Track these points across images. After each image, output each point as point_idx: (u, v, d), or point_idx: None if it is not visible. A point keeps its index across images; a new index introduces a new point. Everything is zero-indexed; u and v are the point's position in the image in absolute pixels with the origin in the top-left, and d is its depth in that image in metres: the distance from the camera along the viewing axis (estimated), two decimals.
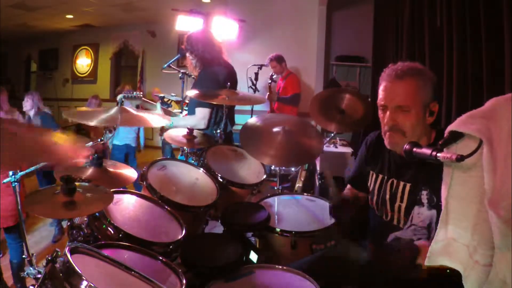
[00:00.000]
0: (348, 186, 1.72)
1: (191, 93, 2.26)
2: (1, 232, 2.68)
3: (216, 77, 2.44)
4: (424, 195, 1.33)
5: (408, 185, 1.37)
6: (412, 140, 1.21)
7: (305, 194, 2.09)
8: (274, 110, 4.82)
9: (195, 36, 2.53)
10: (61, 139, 1.09)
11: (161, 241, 1.38)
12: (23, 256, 1.38)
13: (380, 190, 1.46)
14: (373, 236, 1.56)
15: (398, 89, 1.29)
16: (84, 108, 1.75)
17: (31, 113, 4.02)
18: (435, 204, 1.30)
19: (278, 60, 4.72)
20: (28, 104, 3.98)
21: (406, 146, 1.05)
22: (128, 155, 4.65)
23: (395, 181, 1.42)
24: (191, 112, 2.50)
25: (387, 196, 1.42)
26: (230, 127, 2.58)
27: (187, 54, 2.54)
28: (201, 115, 2.41)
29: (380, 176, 1.48)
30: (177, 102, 4.79)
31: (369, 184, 1.53)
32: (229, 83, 2.29)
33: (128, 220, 1.45)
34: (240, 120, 2.66)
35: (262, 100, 2.69)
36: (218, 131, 2.38)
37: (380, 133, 1.40)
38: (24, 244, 1.45)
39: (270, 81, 4.70)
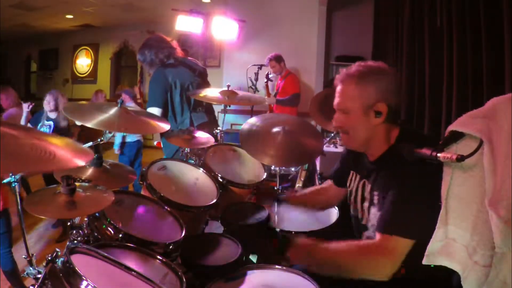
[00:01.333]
0: (329, 181, 1.78)
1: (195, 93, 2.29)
2: None
3: (164, 79, 2.53)
4: (375, 195, 1.36)
5: (369, 186, 1.42)
6: (357, 140, 1.35)
7: None
8: (274, 110, 4.82)
9: (141, 46, 2.65)
10: (61, 144, 1.09)
11: (161, 241, 1.38)
12: (24, 256, 1.37)
13: (356, 189, 1.50)
14: (354, 237, 1.58)
15: (340, 92, 1.35)
16: (84, 102, 1.74)
17: (53, 114, 3.93)
18: (382, 206, 1.32)
19: (277, 59, 4.73)
20: (51, 104, 3.91)
21: (406, 147, 1.06)
22: (138, 151, 4.70)
23: (366, 182, 1.45)
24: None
25: (360, 196, 1.47)
26: (206, 119, 2.64)
27: (144, 66, 2.67)
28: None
29: (358, 176, 1.51)
30: None
31: (348, 183, 1.57)
32: (188, 83, 2.42)
33: (128, 220, 1.45)
34: (240, 120, 2.66)
35: (262, 100, 2.71)
36: (218, 131, 2.39)
37: None
38: (24, 243, 1.45)
39: (266, 80, 4.71)
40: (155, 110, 2.48)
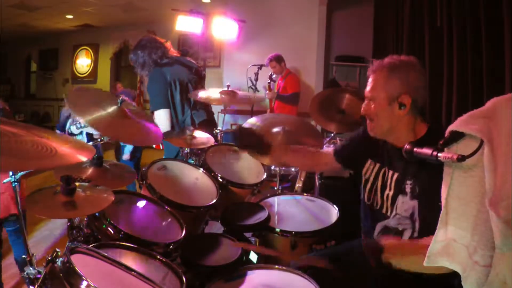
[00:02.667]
0: (330, 151, 1.75)
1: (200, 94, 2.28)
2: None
3: (162, 78, 2.49)
4: (408, 185, 1.37)
5: (396, 174, 1.42)
6: (380, 127, 1.38)
7: (305, 194, 2.09)
8: (274, 110, 4.82)
9: (134, 46, 2.62)
10: (62, 141, 1.09)
11: (161, 241, 1.38)
12: (23, 256, 1.37)
13: (375, 178, 1.51)
14: (364, 227, 1.59)
15: (370, 81, 1.41)
16: (89, 86, 1.70)
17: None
18: (417, 195, 1.35)
19: (278, 60, 4.73)
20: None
21: (407, 146, 1.06)
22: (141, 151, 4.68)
23: (387, 170, 1.47)
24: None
25: (379, 184, 1.48)
26: (205, 116, 2.61)
27: (136, 67, 2.60)
28: (160, 117, 2.42)
29: (378, 165, 1.52)
30: None
31: (365, 171, 1.56)
32: (186, 80, 2.36)
33: (128, 220, 1.45)
34: (240, 120, 2.66)
35: (262, 99, 2.71)
36: (218, 131, 2.39)
37: None
38: (24, 243, 1.45)
39: (269, 81, 4.70)
40: (163, 112, 2.43)
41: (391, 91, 1.34)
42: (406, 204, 1.37)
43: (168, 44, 2.66)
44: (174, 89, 2.52)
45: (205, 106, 2.67)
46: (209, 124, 2.56)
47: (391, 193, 1.42)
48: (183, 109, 2.56)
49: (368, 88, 1.42)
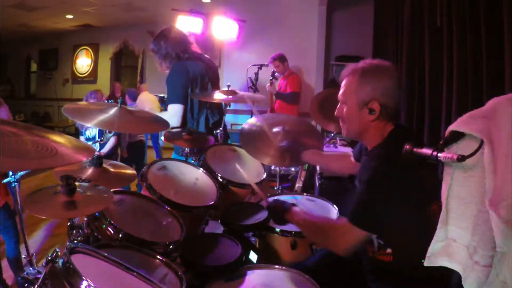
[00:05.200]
0: (350, 153, 1.84)
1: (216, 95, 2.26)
2: None
3: (185, 73, 2.43)
4: (356, 184, 1.44)
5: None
6: (351, 130, 1.44)
7: (305, 194, 2.09)
8: (274, 109, 4.82)
9: (156, 35, 2.52)
10: (62, 141, 1.09)
11: (161, 241, 1.38)
12: (24, 256, 1.37)
13: None
14: None
15: (343, 85, 1.44)
16: (84, 103, 1.71)
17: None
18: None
19: (281, 59, 4.73)
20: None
21: (407, 146, 1.06)
22: (141, 151, 4.71)
23: None
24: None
25: None
26: (217, 117, 2.58)
27: (155, 57, 2.53)
28: (173, 111, 2.39)
29: None
30: None
31: None
32: (207, 79, 2.30)
33: (128, 220, 1.45)
34: (240, 120, 2.66)
35: (262, 98, 2.70)
36: (218, 131, 2.38)
37: None
38: (24, 242, 1.44)
39: (271, 78, 4.71)
40: (177, 107, 2.39)
41: (361, 96, 1.36)
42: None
43: (192, 38, 2.60)
44: (195, 86, 2.46)
45: (219, 107, 2.63)
46: (220, 124, 2.55)
47: None
48: (200, 106, 2.50)
49: (341, 91, 1.44)
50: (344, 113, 1.43)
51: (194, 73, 2.44)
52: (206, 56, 2.74)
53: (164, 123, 1.78)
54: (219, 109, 2.64)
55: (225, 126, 2.52)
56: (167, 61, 2.48)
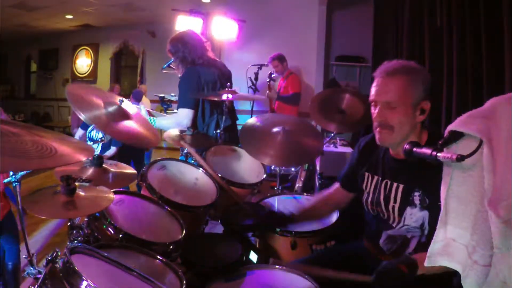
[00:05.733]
0: (337, 185, 1.69)
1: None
2: None
3: (196, 78, 2.44)
4: (416, 197, 1.33)
5: (401, 186, 1.37)
6: (400, 136, 1.30)
7: (305, 194, 2.09)
8: (274, 109, 4.82)
9: (175, 38, 2.54)
10: (62, 141, 1.09)
11: (161, 241, 1.38)
12: (24, 256, 1.37)
13: (375, 190, 1.46)
14: (367, 232, 1.56)
15: (388, 86, 1.30)
16: (92, 85, 1.68)
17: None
18: (427, 205, 1.31)
19: (280, 59, 4.72)
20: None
21: (406, 146, 1.06)
22: (139, 151, 4.67)
23: (389, 182, 1.42)
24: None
25: (382, 197, 1.43)
26: (229, 122, 2.57)
27: (172, 58, 2.55)
28: (182, 115, 2.40)
29: (376, 177, 1.47)
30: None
31: (364, 185, 1.52)
32: (219, 85, 2.29)
33: (128, 220, 1.45)
34: (240, 120, 2.66)
35: (262, 99, 2.69)
36: (218, 131, 2.38)
37: (374, 136, 1.40)
38: (25, 243, 1.44)
39: (268, 80, 4.70)
40: (186, 112, 2.40)
41: (415, 97, 1.28)
42: (415, 216, 1.34)
43: (208, 44, 2.61)
44: (206, 91, 2.47)
45: (230, 111, 2.62)
46: (233, 130, 2.54)
47: (397, 205, 1.38)
48: (211, 111, 2.51)
49: (384, 94, 1.30)
50: (393, 118, 1.29)
51: (206, 79, 2.46)
52: (220, 61, 2.73)
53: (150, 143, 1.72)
54: (232, 115, 2.63)
55: (236, 130, 2.52)
56: (182, 65, 2.51)
